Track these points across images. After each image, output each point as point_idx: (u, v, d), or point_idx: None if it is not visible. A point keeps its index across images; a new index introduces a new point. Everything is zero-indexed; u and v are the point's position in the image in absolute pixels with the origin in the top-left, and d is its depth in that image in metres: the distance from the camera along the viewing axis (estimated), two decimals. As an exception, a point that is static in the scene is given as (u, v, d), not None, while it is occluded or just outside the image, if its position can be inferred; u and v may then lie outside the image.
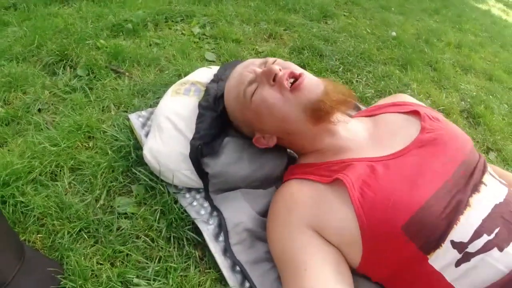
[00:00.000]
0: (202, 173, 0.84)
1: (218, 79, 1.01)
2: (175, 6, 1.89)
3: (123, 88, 1.20)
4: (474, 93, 1.69)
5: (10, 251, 0.61)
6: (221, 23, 1.78)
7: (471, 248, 0.59)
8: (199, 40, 1.63)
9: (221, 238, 0.78)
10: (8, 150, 0.89)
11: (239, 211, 0.80)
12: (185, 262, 0.74)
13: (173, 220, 0.80)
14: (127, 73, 1.28)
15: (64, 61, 1.26)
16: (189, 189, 0.89)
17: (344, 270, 0.66)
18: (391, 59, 1.79)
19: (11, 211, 0.75)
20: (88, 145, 0.97)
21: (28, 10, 1.51)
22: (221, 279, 0.73)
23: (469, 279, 0.59)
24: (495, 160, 1.34)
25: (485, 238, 0.60)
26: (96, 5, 1.70)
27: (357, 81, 1.53)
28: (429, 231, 0.60)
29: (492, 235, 0.60)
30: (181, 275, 0.72)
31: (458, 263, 0.59)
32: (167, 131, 0.90)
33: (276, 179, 0.89)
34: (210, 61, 1.48)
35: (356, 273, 0.69)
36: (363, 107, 1.24)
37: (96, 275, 0.69)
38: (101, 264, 0.71)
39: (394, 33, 2.09)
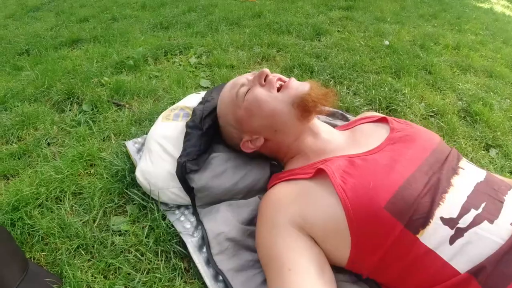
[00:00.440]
0: (188, 188, 0.91)
1: (204, 101, 1.08)
2: (174, 40, 2.05)
3: (123, 119, 1.31)
4: (472, 92, 1.68)
5: (15, 265, 0.70)
6: (216, 52, 1.89)
7: (462, 223, 0.61)
8: (195, 69, 1.75)
9: (205, 249, 0.83)
10: (19, 180, 1.00)
11: (221, 221, 0.85)
12: (171, 273, 0.79)
13: (161, 234, 0.86)
14: (127, 105, 1.40)
15: (71, 99, 1.40)
16: (179, 206, 0.95)
17: (328, 271, 0.68)
18: (384, 67, 1.82)
19: (19, 232, 0.84)
20: (90, 171, 1.07)
21: (40, 55, 1.68)
22: (205, 288, 0.77)
23: (465, 255, 0.59)
24: (496, 157, 1.32)
25: (473, 212, 0.62)
26: (101, 45, 1.87)
27: (347, 92, 1.57)
28: (413, 209, 0.62)
29: (480, 209, 0.63)
30: (167, 286, 0.77)
31: (452, 240, 0.60)
32: (156, 153, 0.98)
33: (259, 191, 0.93)
34: (205, 87, 1.58)
35: (345, 272, 0.72)
36: (350, 117, 1.28)
37: (90, 287, 0.76)
38: (95, 277, 0.78)
39: (387, 42, 2.12)
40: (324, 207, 0.69)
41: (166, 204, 0.95)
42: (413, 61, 1.92)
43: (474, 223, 0.61)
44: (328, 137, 0.86)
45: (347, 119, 1.27)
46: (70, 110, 1.35)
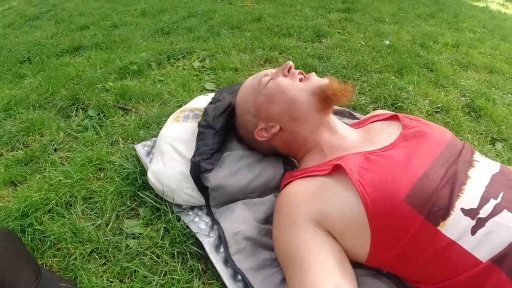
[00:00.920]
0: (202, 188, 0.90)
1: (215, 100, 1.08)
2: (176, 45, 2.05)
3: (130, 123, 1.30)
4: (474, 88, 1.69)
5: (27, 272, 0.68)
6: (219, 55, 1.89)
7: (482, 213, 0.61)
8: (199, 73, 1.75)
9: (222, 249, 0.81)
10: (27, 186, 0.98)
11: (237, 220, 0.84)
12: (189, 275, 0.78)
13: (176, 236, 0.85)
14: (133, 109, 1.39)
15: (77, 105, 1.39)
16: (192, 207, 0.94)
17: (348, 267, 0.67)
18: (386, 66, 1.83)
19: (29, 238, 0.82)
20: (99, 176, 1.06)
21: (42, 62, 1.67)
22: (224, 288, 0.76)
23: (488, 245, 0.59)
24: (502, 150, 1.33)
25: (493, 202, 0.62)
26: (104, 52, 1.86)
27: (354, 90, 1.57)
28: (432, 201, 0.62)
29: (499, 199, 0.63)
30: (184, 287, 0.76)
31: (473, 230, 0.60)
32: (168, 154, 0.97)
33: (273, 189, 0.93)
34: (210, 90, 1.57)
35: (365, 267, 0.71)
36: (358, 115, 1.28)
37: (106, 291, 0.74)
38: (111, 281, 0.76)
39: (387, 42, 2.14)
40: (343, 202, 0.68)
41: (179, 206, 0.94)
42: (414, 59, 1.93)
43: (494, 212, 0.61)
44: (344, 134, 0.86)
45: (355, 117, 1.27)
46: (76, 116, 1.34)
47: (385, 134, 0.83)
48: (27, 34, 2.37)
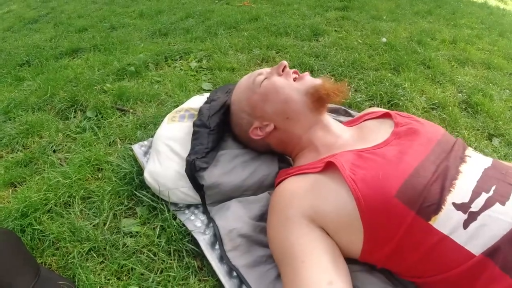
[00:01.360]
0: (198, 186, 0.91)
1: (210, 100, 1.09)
2: (173, 46, 2.06)
3: (128, 124, 1.31)
4: (472, 84, 1.70)
5: (26, 270, 0.70)
6: (216, 55, 1.90)
7: (474, 207, 0.62)
8: (196, 73, 1.76)
9: (217, 246, 0.83)
10: (27, 187, 1.00)
11: (232, 218, 0.85)
12: (185, 272, 0.79)
13: (173, 234, 0.86)
14: (131, 110, 1.41)
15: (75, 106, 1.40)
16: (188, 206, 0.96)
17: (342, 263, 0.68)
18: (383, 64, 1.84)
19: (29, 238, 0.84)
20: (98, 176, 1.07)
21: (41, 65, 1.69)
22: (219, 285, 0.76)
23: (480, 238, 0.59)
24: (499, 145, 1.33)
25: (484, 196, 0.63)
26: (102, 54, 1.88)
27: (348, 89, 1.57)
28: (423, 196, 0.63)
29: (491, 192, 0.63)
30: (181, 284, 0.77)
31: (466, 224, 0.61)
32: (164, 154, 0.98)
33: (268, 187, 0.94)
34: (207, 90, 1.58)
35: (360, 263, 0.72)
36: (353, 113, 1.29)
37: (104, 289, 0.75)
38: (108, 279, 0.77)
39: (384, 39, 2.14)
40: (335, 199, 0.69)
41: (175, 204, 0.95)
42: (411, 56, 1.93)
43: (486, 206, 0.62)
44: (338, 133, 0.87)
45: (350, 115, 1.28)
46: (74, 117, 1.35)
47: (378, 132, 0.84)
48: (26, 37, 2.39)
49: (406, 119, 0.85)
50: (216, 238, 0.84)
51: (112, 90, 1.52)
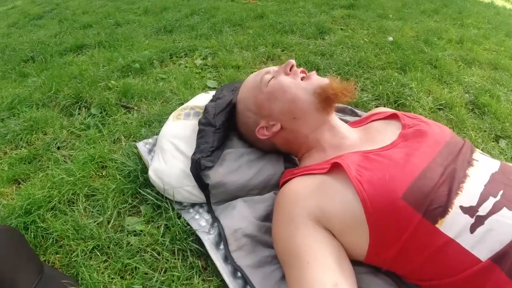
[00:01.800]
0: (203, 185, 0.90)
1: (216, 98, 1.08)
2: (178, 43, 2.05)
3: (132, 121, 1.30)
4: (479, 84, 1.68)
5: (30, 268, 0.69)
6: (221, 53, 1.89)
7: (481, 211, 0.61)
8: (201, 71, 1.75)
9: (222, 246, 0.82)
10: (31, 184, 0.99)
11: (237, 218, 0.84)
12: (189, 272, 0.78)
13: (177, 233, 0.85)
14: (135, 107, 1.40)
15: (79, 103, 1.40)
16: (193, 205, 0.95)
17: (347, 264, 0.67)
18: (389, 63, 1.82)
19: (32, 235, 0.83)
20: (102, 173, 1.07)
21: (45, 61, 1.69)
22: (224, 285, 0.76)
23: (487, 243, 0.58)
24: (506, 147, 1.31)
25: (492, 200, 0.62)
26: (106, 50, 1.87)
27: (354, 88, 1.56)
28: (430, 198, 0.62)
29: (498, 197, 0.62)
30: (185, 284, 0.76)
31: (472, 228, 0.60)
32: (169, 152, 0.97)
33: (274, 186, 0.93)
34: (212, 88, 1.58)
35: (365, 265, 0.71)
36: (360, 112, 1.28)
37: (107, 287, 0.75)
38: (112, 278, 0.77)
39: (391, 38, 2.12)
40: (341, 200, 0.68)
41: (180, 203, 0.94)
42: (418, 56, 1.92)
43: (494, 210, 0.61)
44: (345, 133, 0.86)
45: (356, 115, 1.27)
46: (78, 114, 1.35)
47: (385, 133, 0.83)
48: (31, 33, 2.39)
49: (413, 121, 0.84)
50: (221, 238, 0.83)
51: (117, 87, 1.51)
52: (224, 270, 0.77)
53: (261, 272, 0.76)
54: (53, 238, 0.84)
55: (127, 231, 0.87)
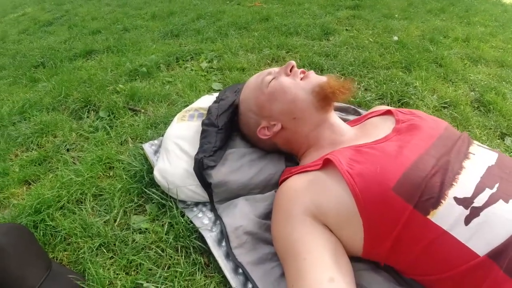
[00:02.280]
0: (205, 184, 0.92)
1: (219, 99, 1.11)
2: (185, 46, 2.09)
3: (139, 123, 1.34)
4: (484, 82, 1.66)
5: (38, 264, 0.72)
6: (227, 56, 1.92)
7: (477, 202, 0.60)
8: (207, 73, 1.78)
9: (224, 243, 0.84)
10: (41, 185, 1.03)
11: (239, 215, 0.86)
12: (191, 268, 0.80)
13: (180, 231, 0.87)
14: (142, 110, 1.43)
15: (88, 106, 1.44)
16: (197, 203, 0.97)
17: (344, 259, 0.68)
18: (394, 63, 1.82)
19: (41, 234, 0.87)
20: (109, 174, 1.10)
21: (55, 66, 1.74)
22: (225, 281, 0.77)
23: (483, 236, 0.57)
24: (511, 144, 1.31)
25: (488, 192, 0.61)
26: (115, 55, 1.92)
27: (357, 88, 1.57)
28: (421, 189, 0.62)
29: (494, 189, 0.62)
30: (187, 280, 0.78)
31: (467, 220, 0.59)
32: (173, 152, 1.00)
33: (275, 185, 0.94)
34: (217, 90, 1.60)
35: (365, 262, 0.72)
36: (363, 112, 1.28)
37: (112, 283, 0.77)
38: (117, 273, 0.79)
39: (396, 38, 2.12)
40: (334, 195, 0.69)
41: (184, 202, 0.96)
42: (423, 55, 1.91)
43: (490, 202, 0.60)
44: (343, 131, 0.88)
45: (359, 114, 1.27)
46: (87, 117, 1.39)
47: (380, 128, 0.84)
48: (41, 40, 2.46)
49: (407, 116, 0.85)
50: (223, 235, 0.85)
51: (124, 91, 1.55)
52: (225, 266, 0.79)
53: (262, 269, 0.78)
54: (62, 236, 0.87)
55: (132, 229, 0.90)
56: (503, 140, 1.32)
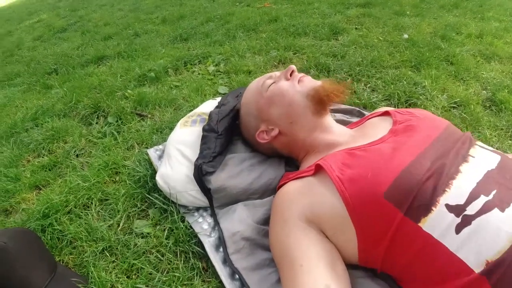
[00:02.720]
0: (205, 190, 0.93)
1: (220, 104, 1.12)
2: (193, 50, 2.11)
3: (145, 128, 1.37)
4: (497, 80, 1.61)
5: (44, 267, 0.76)
6: (233, 58, 1.93)
7: (470, 210, 0.58)
8: (213, 77, 1.79)
9: (221, 249, 0.85)
10: (50, 190, 1.07)
11: (237, 221, 0.87)
12: (190, 273, 0.82)
13: (180, 236, 0.89)
14: (149, 115, 1.46)
15: (98, 112, 1.48)
16: (198, 208, 0.98)
17: (340, 264, 0.68)
18: (403, 61, 1.78)
19: (49, 237, 0.90)
20: (115, 179, 1.13)
21: (68, 73, 1.79)
22: (222, 287, 0.78)
23: (473, 246, 0.55)
24: (525, 146, 1.26)
25: (483, 199, 0.58)
26: (125, 61, 1.96)
27: (363, 89, 1.55)
28: (412, 195, 0.60)
29: (490, 196, 0.59)
30: (185, 284, 0.80)
31: (458, 229, 0.57)
32: (175, 158, 1.02)
33: (274, 191, 0.94)
34: (223, 94, 1.61)
35: (363, 269, 0.71)
36: (367, 113, 1.27)
37: (114, 286, 0.80)
38: (118, 277, 0.82)
39: (406, 36, 2.08)
40: (326, 200, 0.69)
41: (185, 207, 0.98)
42: (434, 53, 1.86)
43: (484, 210, 0.57)
44: (340, 134, 0.88)
45: (362, 115, 1.26)
46: (96, 123, 1.43)
47: (377, 129, 0.83)
48: (55, 46, 2.54)
49: (405, 116, 0.84)
50: (221, 241, 0.86)
51: (133, 96, 1.59)
52: (222, 272, 0.80)
53: (258, 275, 0.78)
54: (68, 239, 0.91)
55: (135, 234, 0.93)
56: (516, 141, 1.28)
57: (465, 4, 2.76)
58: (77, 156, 1.26)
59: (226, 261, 0.81)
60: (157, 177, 1.00)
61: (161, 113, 1.47)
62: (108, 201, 1.03)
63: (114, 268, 0.84)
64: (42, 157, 1.24)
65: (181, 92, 1.63)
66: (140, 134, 1.33)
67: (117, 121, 1.44)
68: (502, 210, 0.57)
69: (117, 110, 1.47)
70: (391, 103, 1.46)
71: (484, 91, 1.56)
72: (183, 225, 0.91)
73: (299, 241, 0.69)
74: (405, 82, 1.56)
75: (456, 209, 0.58)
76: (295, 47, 2.05)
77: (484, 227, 0.56)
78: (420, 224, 0.59)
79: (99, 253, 0.87)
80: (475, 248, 0.55)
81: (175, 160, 1.01)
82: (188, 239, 0.89)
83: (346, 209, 0.65)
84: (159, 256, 0.86)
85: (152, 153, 1.17)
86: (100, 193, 1.05)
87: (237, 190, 0.93)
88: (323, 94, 0.84)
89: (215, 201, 0.94)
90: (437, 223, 0.58)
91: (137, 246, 0.88)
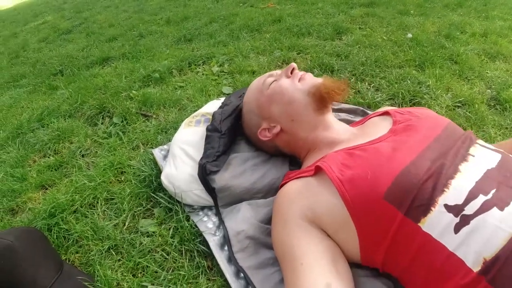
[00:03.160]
0: (209, 189, 0.94)
1: (223, 105, 1.13)
2: (197, 51, 2.12)
3: (150, 129, 1.38)
4: (502, 79, 1.60)
5: (50, 265, 0.77)
6: (237, 59, 1.94)
7: (468, 210, 0.58)
8: (217, 77, 1.80)
9: (226, 247, 0.85)
10: (56, 189, 1.08)
11: (241, 220, 0.87)
12: (195, 271, 0.82)
13: (185, 234, 0.90)
14: (154, 115, 1.47)
15: (103, 113, 1.49)
16: (203, 207, 0.99)
17: (342, 262, 0.68)
18: (407, 61, 1.78)
19: (55, 236, 0.91)
20: (121, 179, 1.14)
21: (73, 74, 1.81)
22: (227, 285, 0.79)
23: (472, 245, 0.55)
24: (531, 145, 1.25)
25: (482, 198, 0.58)
26: (129, 62, 1.97)
27: (367, 88, 1.55)
28: (412, 196, 0.60)
29: (489, 195, 0.59)
30: (190, 283, 0.80)
31: (457, 228, 0.57)
32: (179, 157, 1.03)
33: (277, 190, 0.95)
34: (227, 94, 1.62)
35: (366, 268, 0.71)
36: (371, 113, 1.27)
37: (120, 285, 0.80)
38: (124, 275, 0.83)
39: (410, 35, 2.07)
40: (327, 201, 0.69)
41: (190, 206, 0.99)
42: (438, 52, 1.86)
43: (482, 209, 0.57)
44: (341, 132, 0.88)
45: (366, 114, 1.26)
46: (102, 123, 1.44)
47: (378, 127, 0.84)
48: (60, 48, 2.56)
49: (405, 116, 0.83)
50: (226, 240, 0.87)
51: (138, 97, 1.60)
52: (227, 270, 0.80)
53: (262, 274, 0.79)
54: (74, 238, 0.92)
55: (140, 232, 0.93)
56: (521, 140, 1.27)
57: (469, 3, 2.75)
58: (82, 156, 1.27)
59: (231, 259, 0.82)
60: (162, 177, 1.01)
61: (165, 114, 1.48)
62: (114, 200, 1.04)
63: (119, 266, 0.85)
64: (48, 157, 1.26)
65: (186, 92, 1.64)
66: (145, 134, 1.33)
67: (122, 121, 1.45)
68: (501, 209, 0.57)
69: (122, 111, 1.48)
70: (395, 102, 1.46)
71: (489, 90, 1.55)
72: (188, 224, 0.92)
73: (299, 240, 0.70)
74: (409, 82, 1.55)
75: (454, 209, 0.59)
76: (299, 47, 2.06)
77: (482, 226, 0.56)
78: (419, 224, 0.60)
79: (105, 251, 0.88)
80: (474, 247, 0.56)
81: (180, 160, 1.02)
82: (193, 238, 0.90)
83: (347, 209, 0.65)
84: (165, 254, 0.87)
85: (157, 153, 1.18)
86: (105, 192, 1.06)
87: (241, 189, 0.93)
88: (324, 92, 0.85)
89: (219, 200, 0.95)
90: (436, 223, 0.59)
91: (143, 245, 0.89)
